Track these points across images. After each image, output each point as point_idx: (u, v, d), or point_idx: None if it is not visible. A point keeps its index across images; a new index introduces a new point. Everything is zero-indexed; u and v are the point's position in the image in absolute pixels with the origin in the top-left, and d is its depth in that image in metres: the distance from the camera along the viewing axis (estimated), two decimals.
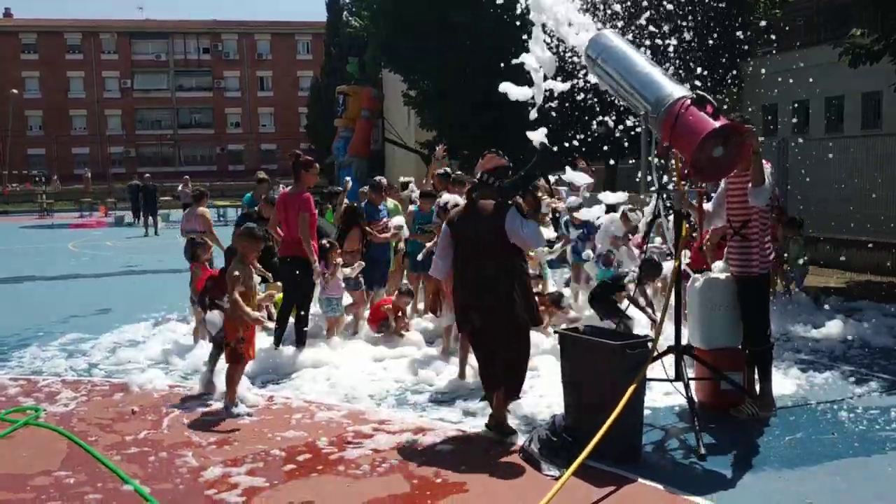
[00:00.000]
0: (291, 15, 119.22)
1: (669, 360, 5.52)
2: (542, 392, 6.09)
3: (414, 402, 6.26)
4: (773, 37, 18.07)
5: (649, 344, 5.08)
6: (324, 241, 7.97)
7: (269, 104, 65.82)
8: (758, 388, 5.79)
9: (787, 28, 18.98)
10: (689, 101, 5.08)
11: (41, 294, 12.95)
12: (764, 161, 5.50)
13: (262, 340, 7.71)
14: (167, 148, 64.31)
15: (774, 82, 17.56)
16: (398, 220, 9.15)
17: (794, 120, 18.99)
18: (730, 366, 5.78)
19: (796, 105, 19.46)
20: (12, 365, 7.74)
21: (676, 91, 5.44)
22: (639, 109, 5.96)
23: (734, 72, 18.36)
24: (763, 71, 18.50)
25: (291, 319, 7.63)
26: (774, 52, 18.92)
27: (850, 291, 10.90)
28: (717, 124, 5.00)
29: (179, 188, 29.26)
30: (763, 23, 18.09)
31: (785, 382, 6.38)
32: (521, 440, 5.24)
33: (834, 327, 8.24)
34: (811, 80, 16.69)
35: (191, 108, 65.54)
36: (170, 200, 33.09)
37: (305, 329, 7.50)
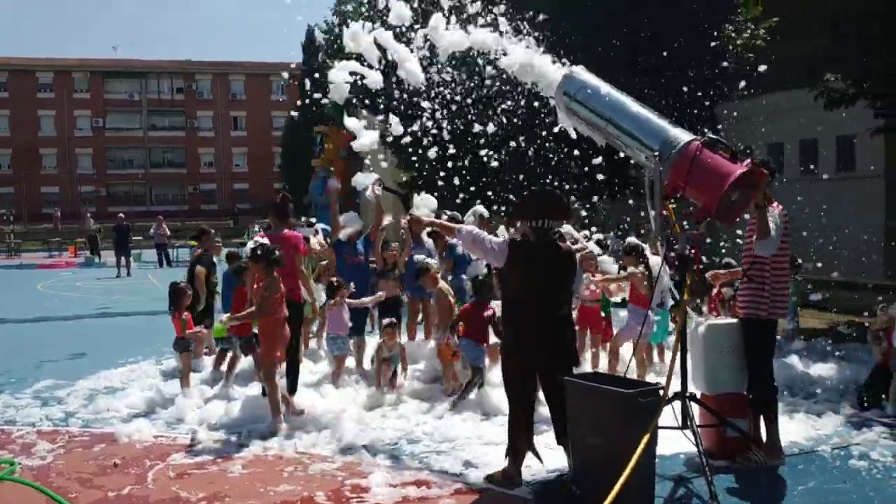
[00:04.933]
0: (267, 56, 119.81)
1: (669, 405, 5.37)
2: (546, 441, 5.88)
3: (411, 452, 6.02)
4: (744, 83, 18.47)
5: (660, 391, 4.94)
6: (333, 279, 8.03)
7: (243, 144, 65.63)
8: (764, 435, 5.67)
9: (760, 72, 19.36)
10: (700, 144, 5.03)
11: (11, 338, 12.47)
12: (775, 204, 5.44)
13: (254, 388, 7.45)
14: (139, 187, 63.66)
15: (749, 125, 17.84)
16: None
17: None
18: (735, 412, 5.67)
19: (770, 147, 19.76)
20: None
21: (681, 133, 5.40)
22: (626, 149, 5.87)
23: (711, 112, 18.65)
24: (736, 114, 18.79)
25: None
26: (748, 95, 19.27)
27: (837, 333, 10.85)
28: (742, 168, 4.95)
29: (152, 229, 28.86)
30: (728, 65, 18.42)
31: (789, 427, 6.25)
32: (527, 493, 5.05)
33: (829, 370, 8.19)
34: (785, 123, 16.98)
35: (163, 147, 65.11)
36: (141, 241, 32.60)
37: (296, 376, 7.25)
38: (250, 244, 7.55)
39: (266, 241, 7.03)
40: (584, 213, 11.83)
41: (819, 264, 13.08)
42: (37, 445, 6.29)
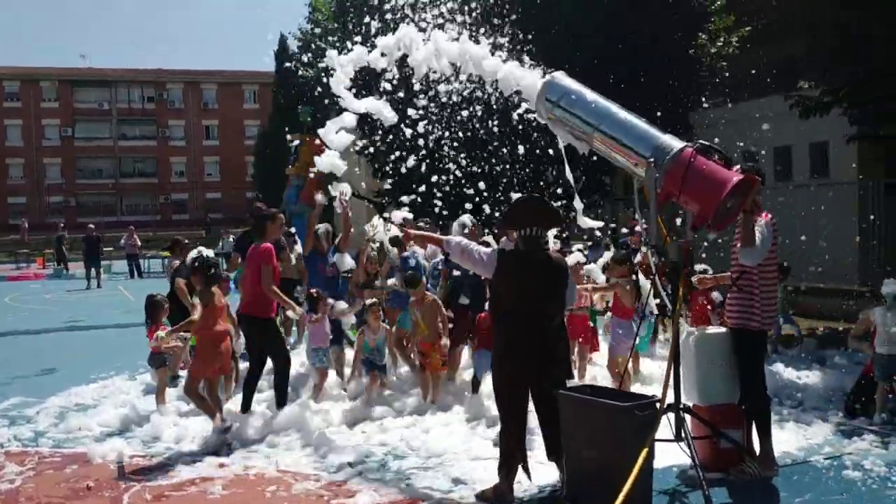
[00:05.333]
0: (239, 64, 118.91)
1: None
2: (537, 456, 5.74)
3: (397, 468, 5.84)
4: (717, 90, 18.60)
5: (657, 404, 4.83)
6: (312, 290, 7.89)
7: (215, 153, 64.98)
8: (757, 446, 5.58)
9: (733, 81, 19.52)
10: (694, 150, 4.94)
11: None
12: (763, 214, 5.36)
13: (233, 403, 7.24)
14: (108, 197, 62.73)
15: (722, 133, 17.93)
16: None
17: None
18: (728, 423, 5.57)
19: (744, 155, 19.89)
20: None
21: (671, 139, 5.31)
22: (614, 157, 5.77)
23: (687, 121, 18.76)
24: (710, 121, 18.89)
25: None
26: (721, 102, 19.41)
27: (817, 339, 10.86)
28: (739, 175, 4.88)
29: (123, 240, 28.32)
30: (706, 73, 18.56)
31: (780, 437, 6.15)
32: None
33: (813, 377, 8.15)
34: (760, 130, 17.10)
35: (134, 157, 64.24)
36: (112, 251, 31.96)
37: (285, 389, 7.07)
38: (192, 254, 7.37)
39: (209, 252, 6.93)
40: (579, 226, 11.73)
41: (794, 270, 13.12)
42: (5, 468, 6.02)
